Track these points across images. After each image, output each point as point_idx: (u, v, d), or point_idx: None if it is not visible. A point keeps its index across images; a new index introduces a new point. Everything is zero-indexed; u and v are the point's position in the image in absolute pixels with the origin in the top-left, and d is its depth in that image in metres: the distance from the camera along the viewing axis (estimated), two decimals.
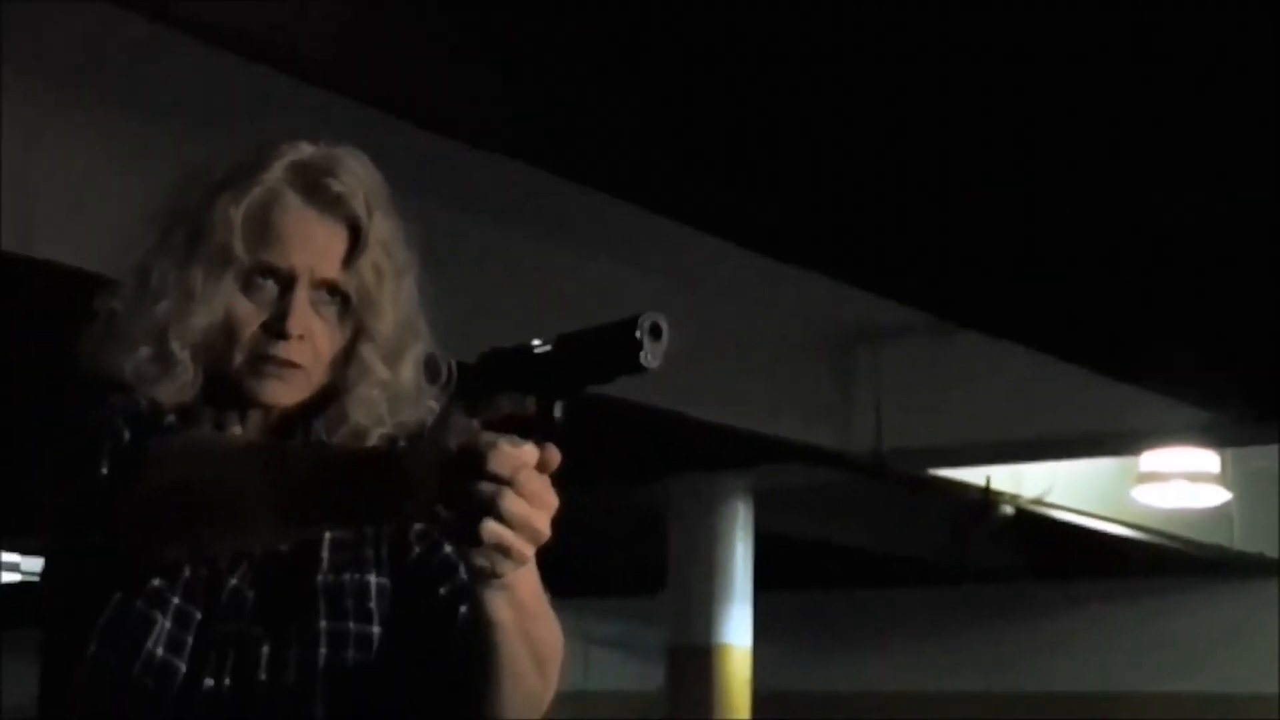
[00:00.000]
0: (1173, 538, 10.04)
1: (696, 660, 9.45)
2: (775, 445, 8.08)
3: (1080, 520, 9.53)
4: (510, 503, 1.35)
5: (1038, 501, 9.11)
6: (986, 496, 8.81)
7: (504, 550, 1.38)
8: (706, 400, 7.57)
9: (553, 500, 1.38)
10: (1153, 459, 8.79)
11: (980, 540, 10.06)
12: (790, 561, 10.88)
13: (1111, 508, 9.49)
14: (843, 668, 13.65)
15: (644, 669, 11.31)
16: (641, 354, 1.33)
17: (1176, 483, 8.94)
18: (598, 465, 9.02)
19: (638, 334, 1.33)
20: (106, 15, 4.39)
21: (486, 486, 1.34)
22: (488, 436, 1.36)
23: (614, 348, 1.35)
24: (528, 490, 1.36)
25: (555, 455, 1.38)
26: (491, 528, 1.35)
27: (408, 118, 4.61)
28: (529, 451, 1.36)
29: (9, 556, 12.80)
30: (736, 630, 9.46)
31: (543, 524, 1.38)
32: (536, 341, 1.40)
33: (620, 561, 11.70)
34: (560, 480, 1.40)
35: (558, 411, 1.39)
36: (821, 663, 13.68)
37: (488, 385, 1.41)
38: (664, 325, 1.34)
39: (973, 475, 8.75)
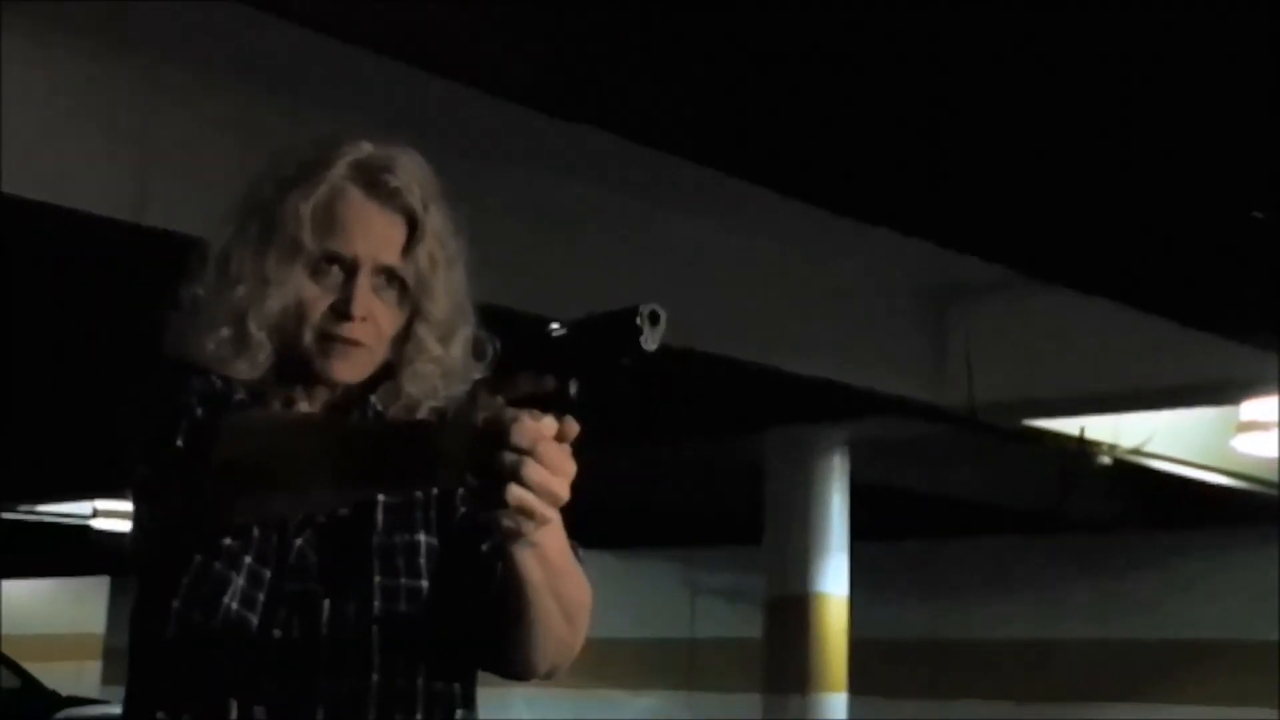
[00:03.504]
0: (1274, 486, 10.01)
1: (794, 609, 9.58)
2: (870, 398, 8.20)
3: (1181, 470, 9.53)
4: (531, 470, 1.51)
5: (1137, 451, 9.12)
6: (1081, 447, 8.84)
7: (527, 512, 1.54)
8: (803, 355, 7.70)
9: (570, 467, 1.54)
10: (1252, 408, 8.74)
11: (1077, 490, 10.08)
12: (887, 512, 10.97)
13: (1212, 457, 9.47)
14: (938, 616, 13.70)
15: (749, 617, 11.46)
16: (642, 339, 1.50)
17: (1277, 431, 8.89)
18: (700, 419, 9.18)
19: (638, 321, 1.50)
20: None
21: (510, 456, 1.51)
22: (511, 411, 1.52)
23: (618, 333, 1.52)
24: (547, 459, 1.52)
25: (573, 427, 1.54)
26: (515, 492, 1.52)
27: (503, 96, 4.78)
28: (548, 424, 1.53)
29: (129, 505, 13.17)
30: (833, 579, 9.59)
31: (561, 488, 1.54)
32: (554, 326, 1.57)
33: (725, 513, 11.83)
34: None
35: (573, 388, 1.56)
36: (917, 611, 13.74)
37: (512, 366, 1.59)
38: (661, 313, 1.51)
39: (1068, 426, 8.78)
